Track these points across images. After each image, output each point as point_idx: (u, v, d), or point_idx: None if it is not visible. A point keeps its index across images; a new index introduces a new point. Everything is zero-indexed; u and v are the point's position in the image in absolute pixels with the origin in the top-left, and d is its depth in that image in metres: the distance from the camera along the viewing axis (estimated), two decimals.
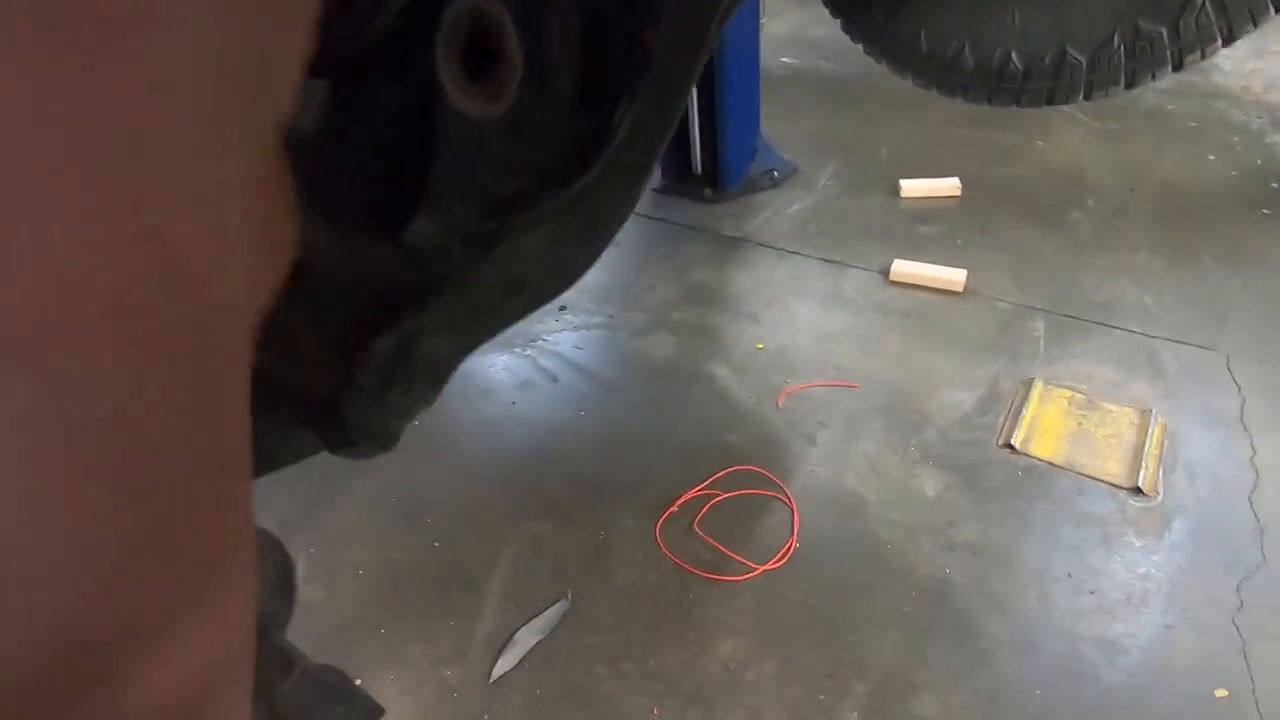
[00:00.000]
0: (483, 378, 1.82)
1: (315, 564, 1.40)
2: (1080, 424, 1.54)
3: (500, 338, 1.81)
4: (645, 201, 2.44)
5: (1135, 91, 1.16)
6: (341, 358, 0.24)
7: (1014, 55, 1.18)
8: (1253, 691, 1.10)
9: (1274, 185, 2.16)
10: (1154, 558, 1.29)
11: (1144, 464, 1.43)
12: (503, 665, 1.22)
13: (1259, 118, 2.46)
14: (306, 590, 1.36)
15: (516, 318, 0.27)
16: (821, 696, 1.15)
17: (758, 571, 1.33)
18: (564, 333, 1.93)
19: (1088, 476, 1.44)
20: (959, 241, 2.09)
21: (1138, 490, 1.39)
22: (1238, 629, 1.17)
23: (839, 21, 1.34)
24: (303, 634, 1.36)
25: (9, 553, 0.14)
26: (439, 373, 0.26)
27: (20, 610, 0.14)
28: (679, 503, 1.46)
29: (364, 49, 0.20)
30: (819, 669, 1.19)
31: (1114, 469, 1.44)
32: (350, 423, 0.24)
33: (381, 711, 0.39)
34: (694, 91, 2.29)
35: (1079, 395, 1.60)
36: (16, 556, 0.14)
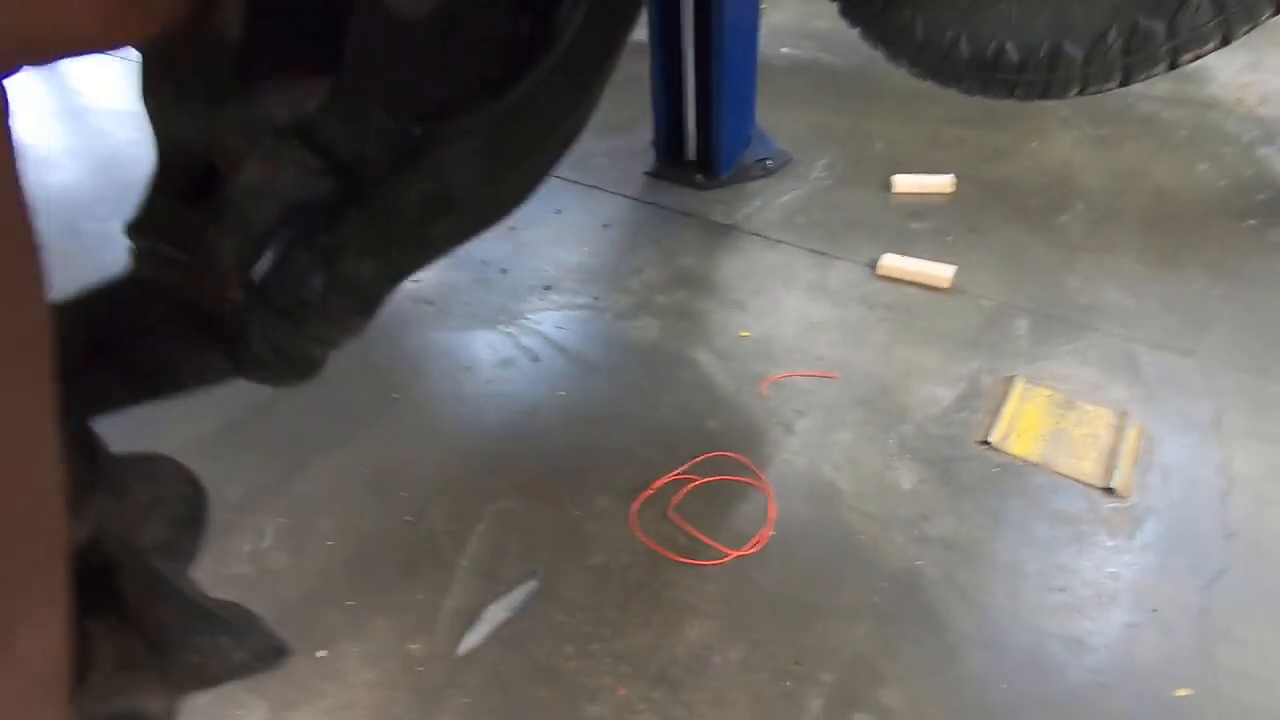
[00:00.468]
0: (463, 354, 1.80)
1: (283, 533, 1.38)
2: (1058, 423, 1.54)
3: (482, 314, 1.79)
4: (636, 185, 2.41)
5: (1126, 95, 1.15)
6: (253, 273, 0.22)
7: (1010, 46, 1.17)
8: (1213, 692, 1.11)
9: (1261, 197, 2.17)
10: (1124, 558, 1.30)
11: (1119, 465, 1.43)
12: (469, 641, 1.21)
13: (1251, 130, 2.47)
14: (272, 558, 1.34)
15: (447, 243, 0.25)
16: (787, 683, 1.15)
17: (730, 557, 1.32)
18: (547, 312, 1.91)
19: (1063, 475, 1.44)
20: (948, 239, 2.08)
21: (1111, 491, 1.40)
22: (1202, 631, 1.18)
23: (836, 6, 1.32)
24: (268, 602, 1.34)
25: None
26: (364, 297, 0.24)
27: None
28: (655, 486, 1.45)
29: None
30: (786, 656, 1.18)
31: (1089, 469, 1.45)
32: (261, 343, 0.22)
33: (282, 652, 0.37)
34: (690, 76, 2.27)
35: (1059, 395, 1.60)
36: None
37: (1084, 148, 2.45)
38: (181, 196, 0.18)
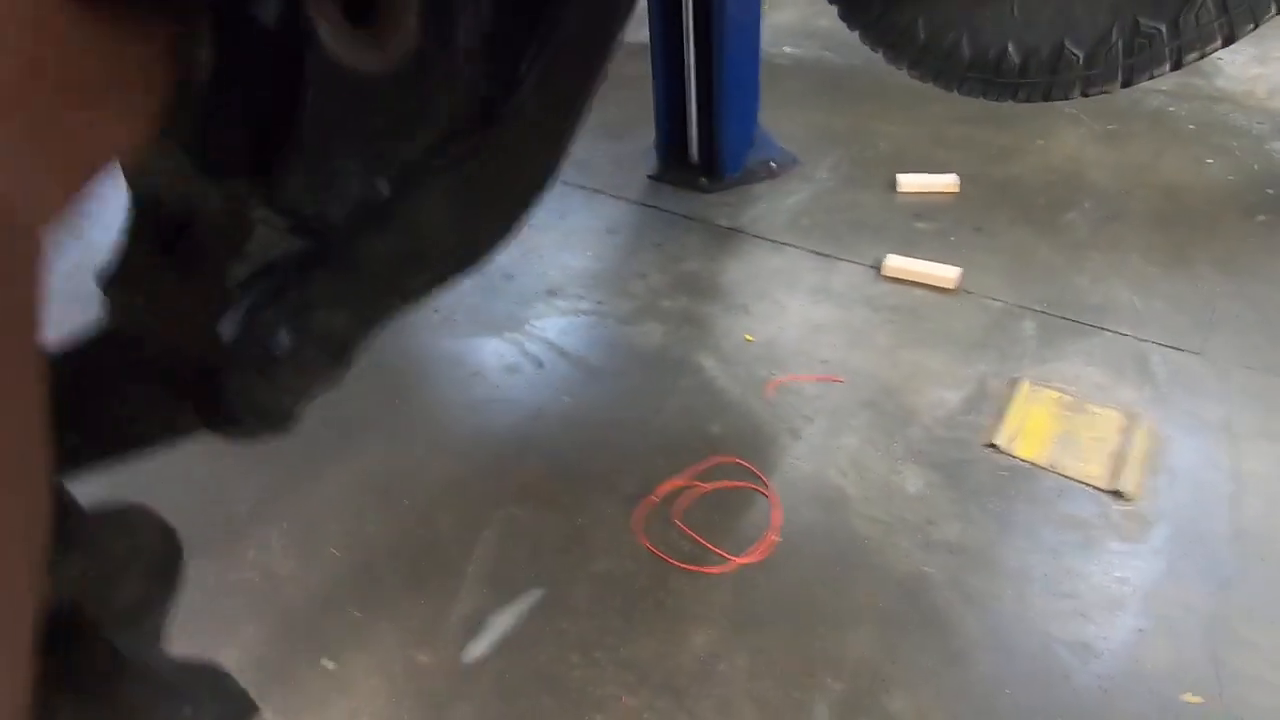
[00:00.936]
0: (469, 360, 1.81)
1: (289, 540, 1.39)
2: (1066, 426, 1.53)
3: (487, 320, 1.80)
4: (639, 189, 2.41)
5: (1133, 90, 1.14)
6: (221, 329, 0.22)
7: (1011, 48, 1.16)
8: (1221, 697, 1.10)
9: (1271, 192, 2.14)
10: (1132, 562, 1.29)
11: (1127, 468, 1.42)
12: (475, 649, 1.22)
13: (1260, 123, 2.45)
14: (278, 566, 1.35)
15: (420, 293, 0.25)
16: (793, 691, 1.15)
17: (735, 564, 1.32)
18: (552, 318, 1.91)
19: (1071, 479, 1.43)
20: (953, 239, 2.07)
21: (1119, 494, 1.39)
22: (1211, 636, 1.17)
23: (836, 8, 1.32)
24: (274, 609, 1.35)
25: None
26: (338, 348, 0.24)
27: None
28: (659, 492, 1.45)
29: None
30: (792, 663, 1.18)
31: (1097, 472, 1.44)
32: (232, 398, 0.22)
33: (253, 710, 0.37)
34: (692, 78, 2.26)
35: (1066, 397, 1.59)
36: None
37: (1090, 144, 2.43)
38: (153, 249, 0.18)
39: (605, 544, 1.37)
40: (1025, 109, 2.54)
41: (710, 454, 1.52)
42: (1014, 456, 1.48)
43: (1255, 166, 2.25)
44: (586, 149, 2.57)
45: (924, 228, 2.12)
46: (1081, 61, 1.11)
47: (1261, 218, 2.05)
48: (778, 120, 2.49)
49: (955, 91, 1.25)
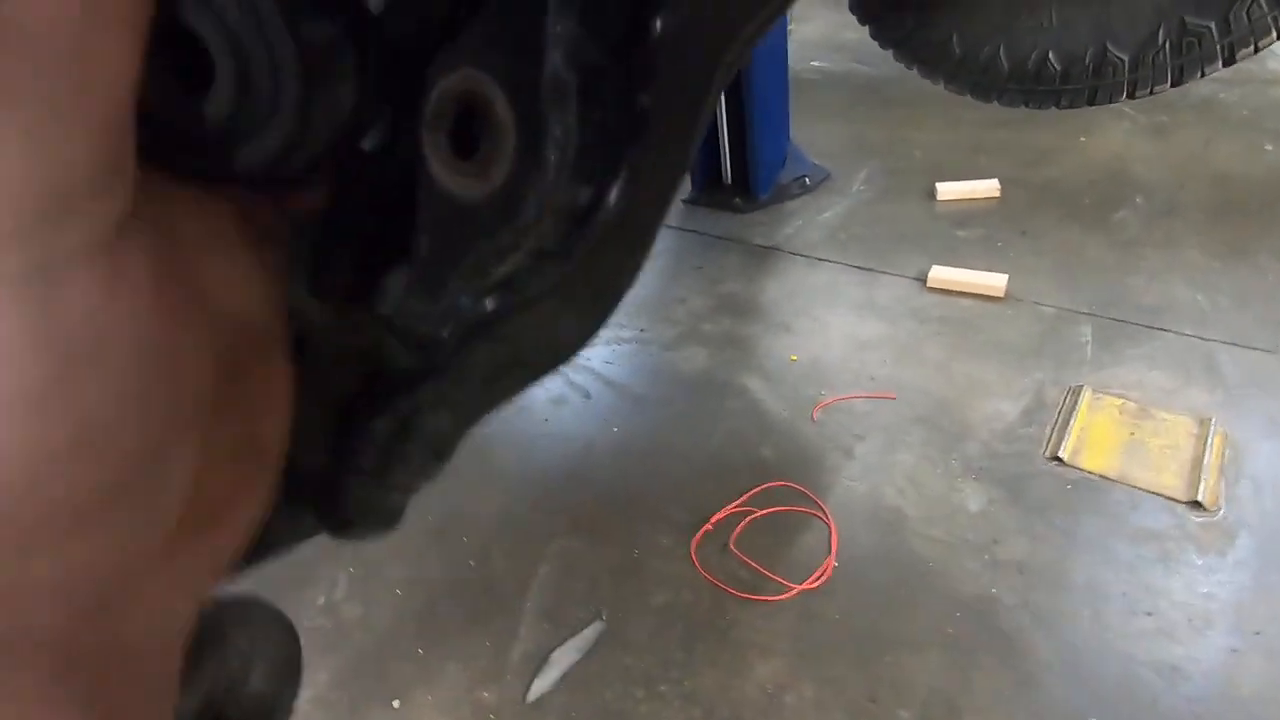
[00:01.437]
0: None
1: (354, 583, 1.42)
2: (1133, 434, 1.48)
3: None
4: (675, 213, 2.43)
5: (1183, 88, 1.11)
6: (337, 438, 0.23)
7: (1051, 56, 1.14)
8: None
9: None
10: (1217, 576, 1.23)
11: (1204, 476, 1.36)
12: (539, 686, 1.22)
13: None
14: (346, 610, 1.38)
15: (516, 391, 0.26)
16: None
17: (795, 591, 1.30)
18: (596, 347, 1.93)
19: (1142, 490, 1.38)
20: (999, 245, 2.03)
21: (1197, 504, 1.33)
22: None
23: (867, 28, 1.32)
24: (344, 652, 1.38)
25: None
26: (441, 447, 0.25)
27: None
28: (713, 520, 1.44)
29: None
30: (860, 692, 1.15)
31: (1171, 482, 1.38)
32: (349, 503, 0.23)
33: None
34: (722, 99, 2.28)
35: (1131, 404, 1.53)
36: None
37: (1137, 138, 2.36)
38: None
39: (662, 575, 1.36)
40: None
41: (762, 478, 1.50)
42: (1079, 469, 1.43)
43: None
44: None
45: (967, 236, 2.08)
46: (1127, 64, 1.09)
47: None
48: (810, 135, 2.49)
49: (994, 103, 1.23)
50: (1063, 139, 2.40)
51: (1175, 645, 1.15)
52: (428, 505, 1.57)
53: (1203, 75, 1.07)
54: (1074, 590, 1.24)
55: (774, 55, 2.22)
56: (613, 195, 0.24)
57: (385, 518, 0.27)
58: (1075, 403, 1.55)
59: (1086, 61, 1.11)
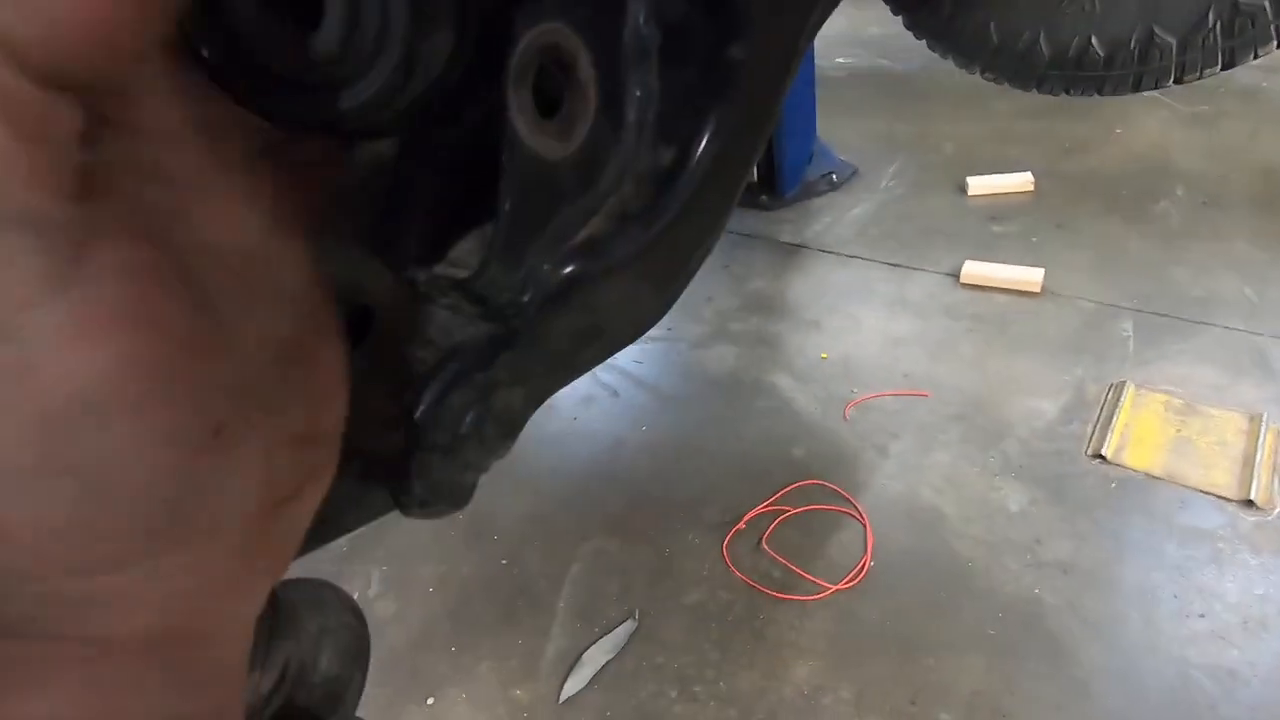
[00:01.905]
0: None
1: (387, 581, 1.43)
2: (1179, 431, 1.43)
3: None
4: None
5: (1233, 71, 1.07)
6: (410, 415, 0.22)
7: (1094, 41, 1.11)
8: None
9: None
10: (1273, 577, 1.18)
11: (1256, 474, 1.31)
12: (572, 685, 1.21)
13: None
14: (379, 607, 1.38)
15: (589, 367, 0.25)
16: None
17: (831, 591, 1.28)
18: None
19: (1191, 488, 1.33)
20: (1034, 239, 1.98)
21: (1250, 503, 1.28)
22: None
23: (901, 18, 1.29)
24: (379, 650, 1.38)
25: None
26: (512, 424, 0.24)
27: None
28: (746, 519, 1.42)
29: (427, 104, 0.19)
30: (899, 694, 1.13)
31: (1221, 480, 1.33)
32: (423, 480, 0.22)
33: None
34: None
35: (1176, 400, 1.49)
36: None
37: (1176, 128, 2.30)
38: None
39: (695, 574, 1.35)
40: (1101, 98, 2.43)
41: (795, 477, 1.48)
42: (1124, 467, 1.39)
43: None
44: None
45: (1001, 230, 2.04)
46: (1175, 48, 1.05)
47: None
48: (836, 131, 2.46)
49: (1034, 91, 1.20)
50: (1098, 129, 2.34)
51: (1231, 649, 1.11)
52: None
53: (1256, 57, 1.03)
54: (1122, 592, 1.21)
55: None
56: (697, 155, 0.23)
57: (457, 496, 0.26)
58: (1118, 399, 1.50)
59: (1132, 46, 1.08)
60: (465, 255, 0.23)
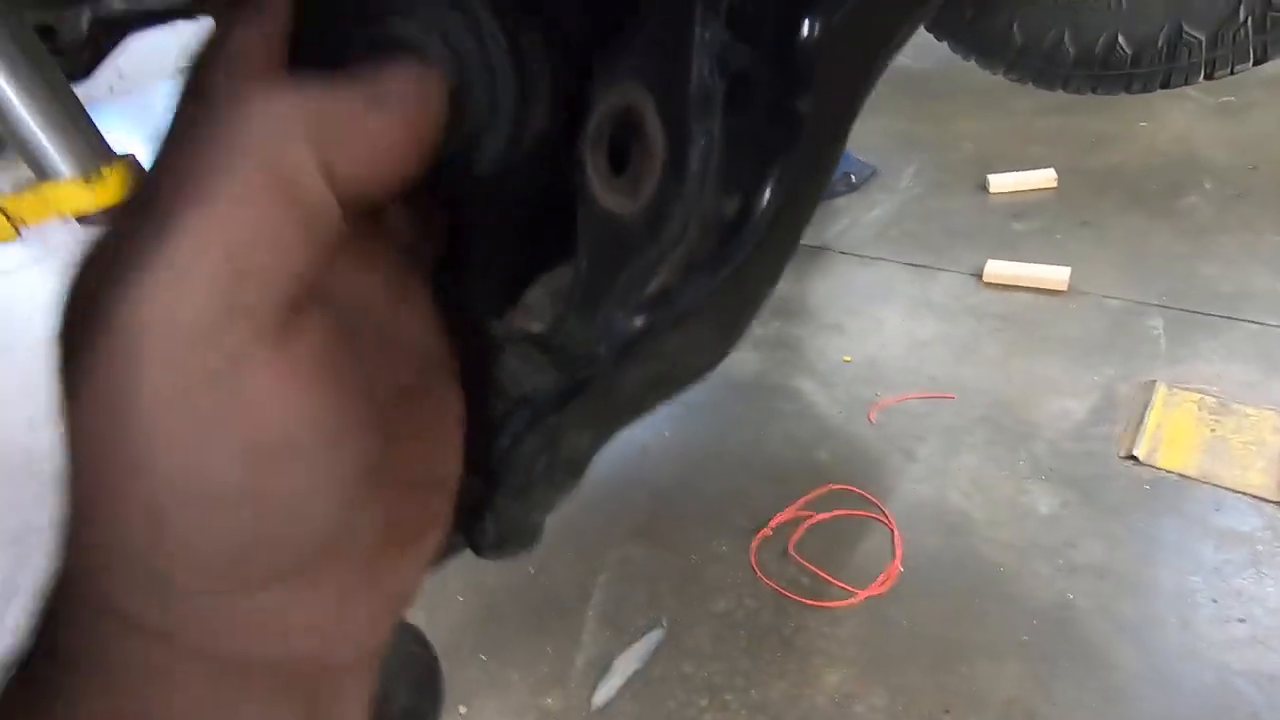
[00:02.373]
0: None
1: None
2: (1214, 430, 1.41)
3: None
4: None
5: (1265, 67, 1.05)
6: (484, 458, 0.23)
7: (1121, 40, 1.10)
8: None
9: None
10: None
11: None
12: (603, 694, 1.22)
13: None
14: (410, 616, 1.40)
15: (655, 407, 0.26)
16: None
17: (860, 597, 1.27)
18: None
19: (1227, 489, 1.31)
20: (1058, 237, 1.96)
21: None
22: None
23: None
24: None
25: None
26: (580, 465, 0.25)
27: None
28: (772, 524, 1.42)
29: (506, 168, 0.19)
30: (933, 702, 1.12)
31: (1258, 480, 1.31)
32: (497, 522, 0.23)
33: None
34: None
35: (1210, 399, 1.46)
36: None
37: (1202, 120, 2.26)
38: None
39: (723, 581, 1.35)
40: None
41: (820, 482, 1.48)
42: (1157, 468, 1.37)
43: None
44: None
45: (1024, 228, 2.02)
46: (1205, 44, 1.04)
47: None
48: (854, 132, 2.41)
49: (1059, 90, 1.19)
50: (1121, 124, 2.31)
51: (1273, 654, 1.09)
52: None
53: None
54: (1158, 596, 1.19)
55: None
56: (761, 205, 0.23)
57: (529, 536, 0.27)
58: (1149, 399, 1.48)
59: (1160, 43, 1.06)
60: (538, 307, 0.23)
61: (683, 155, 0.22)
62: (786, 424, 1.64)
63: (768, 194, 0.23)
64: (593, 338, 0.21)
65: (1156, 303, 1.70)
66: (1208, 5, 1.02)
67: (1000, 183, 2.17)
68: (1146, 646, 1.13)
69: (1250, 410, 1.42)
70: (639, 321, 0.21)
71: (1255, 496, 1.29)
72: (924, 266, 1.97)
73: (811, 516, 1.42)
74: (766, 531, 1.41)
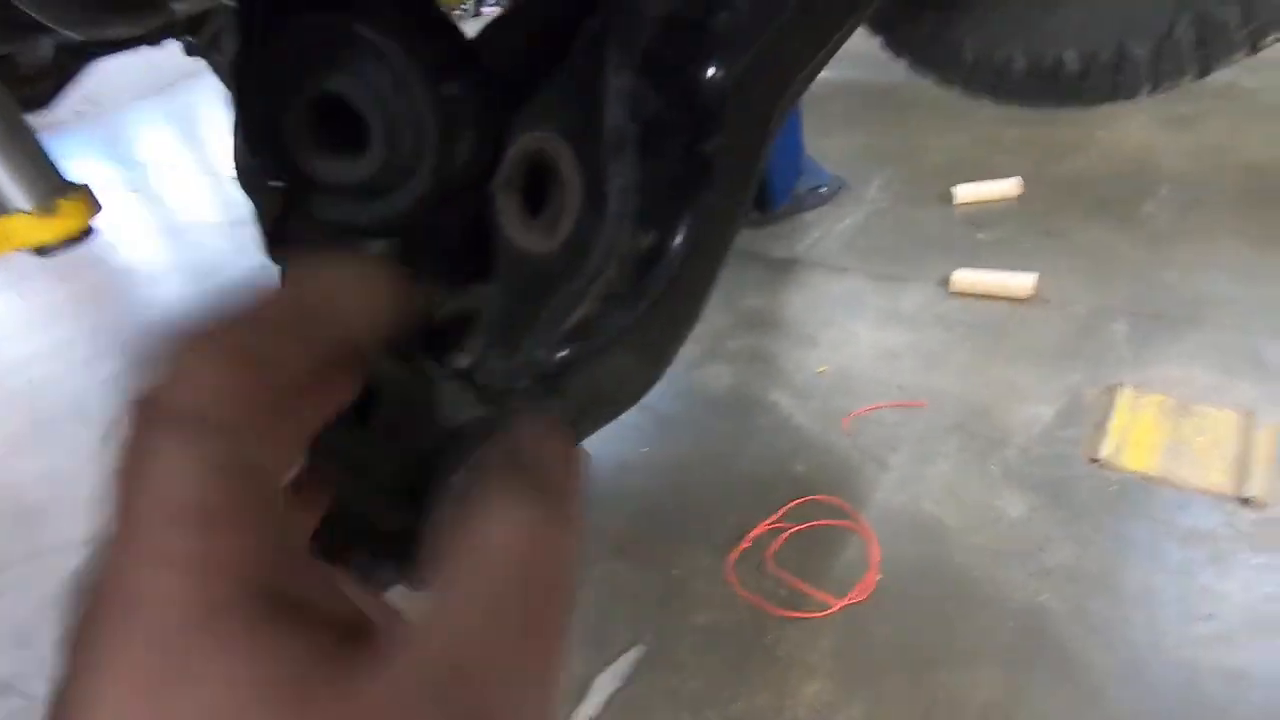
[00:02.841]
0: None
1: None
2: (1175, 432, 1.44)
3: None
4: None
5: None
6: (415, 493, 0.24)
7: (1069, 55, 1.13)
8: None
9: None
10: (1276, 576, 1.19)
11: (1252, 472, 1.32)
12: (584, 713, 1.21)
13: None
14: None
15: (588, 435, 0.27)
16: None
17: (838, 607, 1.28)
18: None
19: (1190, 489, 1.34)
20: (1023, 245, 2.00)
21: (1248, 501, 1.29)
22: None
23: (880, 38, 1.32)
24: None
25: None
26: None
27: None
28: (750, 537, 1.43)
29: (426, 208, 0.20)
30: (912, 711, 1.13)
31: (1219, 479, 1.34)
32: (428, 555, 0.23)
33: None
34: None
35: (1171, 401, 1.50)
36: None
37: (1159, 129, 2.33)
38: (344, 420, 0.20)
39: (703, 595, 1.35)
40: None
41: (797, 493, 1.49)
42: (1122, 470, 1.40)
43: None
44: None
45: (989, 238, 2.06)
46: (1148, 59, 1.08)
47: None
48: (823, 146, 2.49)
49: (1013, 104, 1.23)
50: (1081, 133, 2.37)
51: (1239, 650, 1.11)
52: None
53: (1229, 64, 1.06)
54: (1127, 596, 1.21)
55: None
56: (677, 240, 0.24)
57: None
58: (1113, 402, 1.52)
59: (1105, 59, 1.10)
60: (465, 347, 0.24)
61: (600, 194, 0.23)
62: (763, 436, 1.65)
63: (682, 229, 0.24)
64: (515, 373, 0.22)
65: (1119, 308, 1.74)
66: (1148, 23, 1.06)
67: (965, 193, 2.22)
68: (1117, 646, 1.15)
69: (1210, 411, 1.46)
70: (561, 353, 0.22)
71: (1216, 495, 1.32)
72: (893, 277, 2.01)
73: (789, 528, 1.43)
74: (745, 544, 1.42)
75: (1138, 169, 2.18)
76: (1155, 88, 1.10)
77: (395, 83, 0.19)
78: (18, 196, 0.63)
